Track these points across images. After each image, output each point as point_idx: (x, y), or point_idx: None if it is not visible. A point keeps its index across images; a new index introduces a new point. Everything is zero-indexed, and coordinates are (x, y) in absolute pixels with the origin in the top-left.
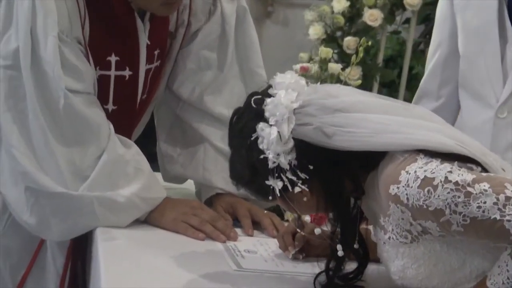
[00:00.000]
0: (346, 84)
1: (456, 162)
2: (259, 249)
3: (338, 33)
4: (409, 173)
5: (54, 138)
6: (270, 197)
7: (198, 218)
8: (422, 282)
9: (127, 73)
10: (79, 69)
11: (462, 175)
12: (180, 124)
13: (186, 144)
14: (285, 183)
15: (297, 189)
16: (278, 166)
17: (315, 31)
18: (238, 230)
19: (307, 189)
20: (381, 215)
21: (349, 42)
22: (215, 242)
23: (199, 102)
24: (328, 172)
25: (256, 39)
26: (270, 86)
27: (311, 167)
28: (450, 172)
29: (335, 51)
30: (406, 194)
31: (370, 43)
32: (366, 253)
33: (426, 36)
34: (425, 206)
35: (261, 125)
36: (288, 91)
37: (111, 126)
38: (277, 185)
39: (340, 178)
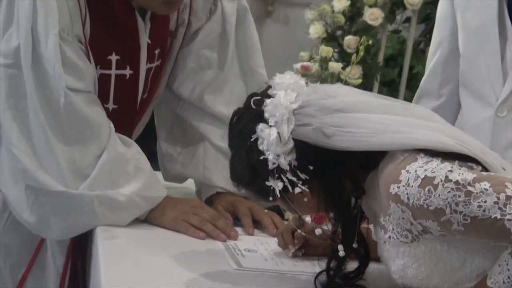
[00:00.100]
0: (346, 83)
1: (456, 161)
2: (260, 248)
3: (339, 32)
4: (410, 173)
5: (55, 137)
6: (271, 198)
7: (198, 217)
8: (423, 281)
9: (127, 72)
10: (79, 67)
11: (462, 174)
12: (180, 123)
13: (186, 143)
14: (285, 184)
15: (297, 190)
16: (278, 167)
17: (316, 30)
18: (239, 229)
19: (307, 190)
20: (381, 215)
21: (350, 41)
22: (216, 241)
23: (199, 101)
24: (328, 173)
25: (257, 38)
26: (269, 87)
27: (311, 168)
28: (451, 171)
29: (336, 50)
30: (407, 193)
31: (370, 42)
32: (367, 252)
33: (427, 35)
34: (425, 206)
35: (260, 126)
36: (287, 92)
37: (112, 125)
38: (277, 186)
39: (340, 178)
